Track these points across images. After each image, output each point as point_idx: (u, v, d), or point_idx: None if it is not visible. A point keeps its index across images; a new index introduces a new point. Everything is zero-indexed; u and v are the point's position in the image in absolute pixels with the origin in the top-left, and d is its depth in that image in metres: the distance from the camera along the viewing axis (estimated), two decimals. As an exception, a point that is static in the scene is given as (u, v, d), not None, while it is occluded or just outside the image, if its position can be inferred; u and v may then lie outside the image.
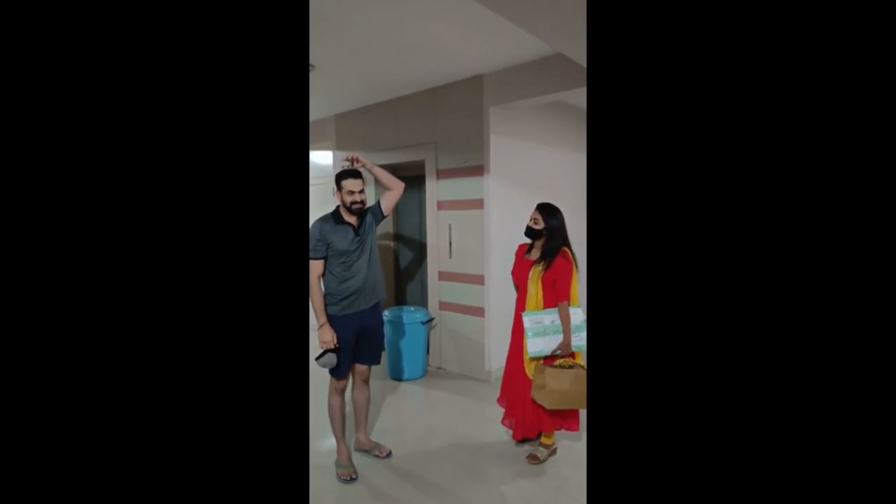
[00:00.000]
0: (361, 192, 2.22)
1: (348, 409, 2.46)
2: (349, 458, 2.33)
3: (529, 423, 2.32)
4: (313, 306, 2.18)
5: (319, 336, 2.17)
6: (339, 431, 2.32)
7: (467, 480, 2.23)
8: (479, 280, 3.43)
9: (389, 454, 2.46)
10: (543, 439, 2.39)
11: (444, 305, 3.71)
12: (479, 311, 3.47)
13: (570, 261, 2.21)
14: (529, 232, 2.28)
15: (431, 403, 3.25)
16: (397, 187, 2.39)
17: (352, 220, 2.25)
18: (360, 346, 2.32)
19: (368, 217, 2.31)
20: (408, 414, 3.09)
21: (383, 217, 2.39)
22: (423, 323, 3.56)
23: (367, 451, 2.49)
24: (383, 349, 2.45)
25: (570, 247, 2.25)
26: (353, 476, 2.25)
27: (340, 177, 2.25)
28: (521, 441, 2.51)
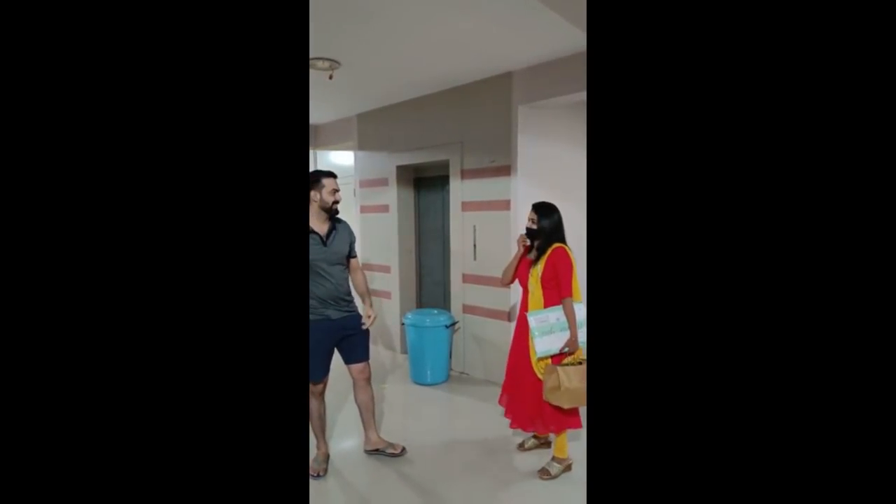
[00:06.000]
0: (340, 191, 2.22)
1: (352, 411, 2.43)
2: (325, 457, 2.35)
3: (528, 416, 2.26)
4: None
5: None
6: (318, 430, 2.34)
7: (498, 495, 2.15)
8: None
9: (404, 451, 2.42)
10: (556, 453, 2.27)
11: (467, 309, 3.63)
12: (503, 315, 3.38)
13: (569, 256, 2.17)
14: (530, 232, 2.26)
15: (455, 410, 3.17)
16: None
17: (321, 228, 2.18)
18: (346, 348, 2.30)
19: (341, 232, 2.25)
20: (430, 420, 3.01)
21: (352, 253, 2.34)
22: (446, 326, 3.48)
23: (380, 451, 2.42)
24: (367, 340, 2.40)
25: (565, 243, 2.22)
26: (321, 473, 2.28)
27: (320, 175, 2.17)
28: (522, 440, 2.51)
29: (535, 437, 2.52)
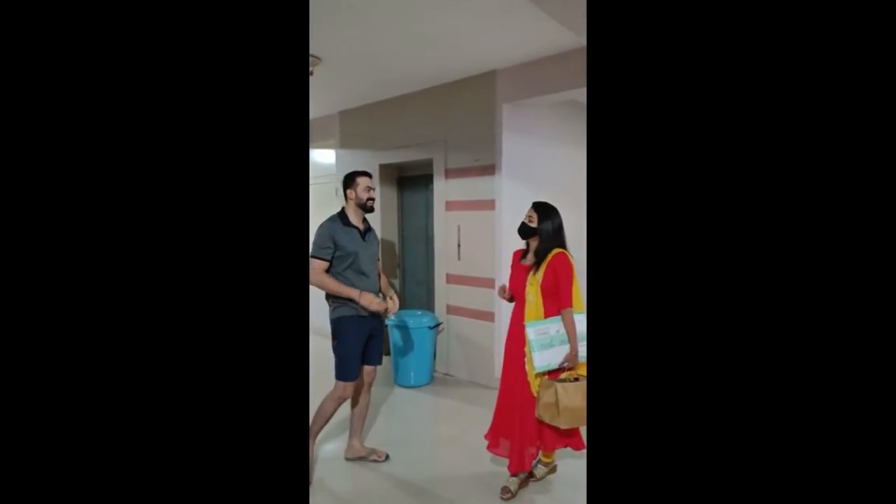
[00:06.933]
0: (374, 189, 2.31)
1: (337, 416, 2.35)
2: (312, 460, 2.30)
3: (525, 450, 2.03)
4: (334, 290, 2.15)
5: (366, 303, 2.14)
6: (316, 432, 2.28)
7: (485, 498, 2.11)
8: (489, 283, 3.31)
9: (387, 457, 2.40)
10: (543, 457, 2.19)
11: (451, 309, 3.59)
12: (488, 316, 3.35)
13: (570, 263, 1.99)
14: (524, 229, 2.08)
15: (439, 412, 3.13)
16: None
17: (358, 223, 2.26)
18: (367, 348, 2.29)
19: (373, 233, 2.35)
20: (414, 423, 2.96)
21: (377, 255, 2.41)
22: (430, 328, 3.43)
23: (363, 458, 2.38)
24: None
25: (566, 249, 2.04)
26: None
27: (356, 175, 2.26)
28: (516, 475, 2.13)
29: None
